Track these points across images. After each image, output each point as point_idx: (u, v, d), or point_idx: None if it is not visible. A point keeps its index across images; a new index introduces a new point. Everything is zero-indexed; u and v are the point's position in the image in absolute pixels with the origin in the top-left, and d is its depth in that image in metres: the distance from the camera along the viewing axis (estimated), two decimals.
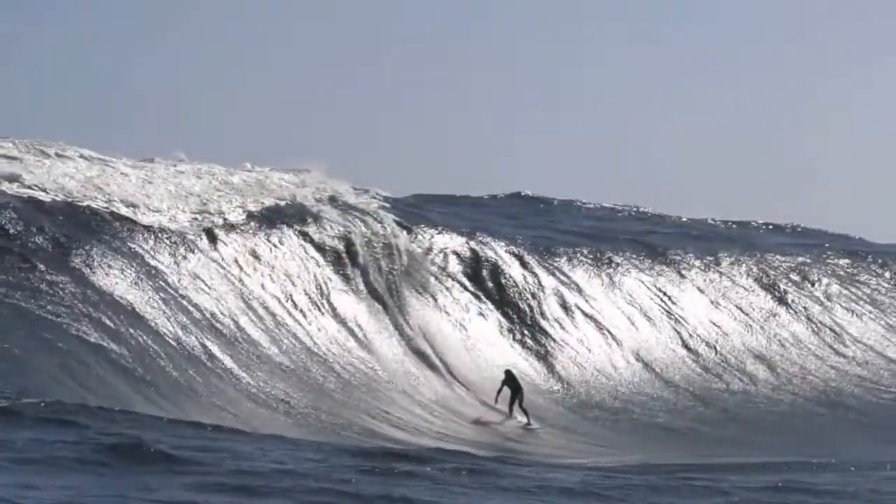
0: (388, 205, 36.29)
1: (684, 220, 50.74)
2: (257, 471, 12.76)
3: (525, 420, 30.46)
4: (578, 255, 39.65)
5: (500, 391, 30.64)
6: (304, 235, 32.51)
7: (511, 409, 30.56)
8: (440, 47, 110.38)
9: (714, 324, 39.51)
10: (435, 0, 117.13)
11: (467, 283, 35.53)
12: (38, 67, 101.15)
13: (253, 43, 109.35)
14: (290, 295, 30.60)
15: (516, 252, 37.76)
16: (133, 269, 26.86)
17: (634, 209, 51.75)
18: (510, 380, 30.76)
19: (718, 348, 38.39)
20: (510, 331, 35.17)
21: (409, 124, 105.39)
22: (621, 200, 52.91)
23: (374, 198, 36.14)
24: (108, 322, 24.23)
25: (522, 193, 52.85)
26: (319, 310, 30.84)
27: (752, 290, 41.90)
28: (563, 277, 37.98)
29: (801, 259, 45.20)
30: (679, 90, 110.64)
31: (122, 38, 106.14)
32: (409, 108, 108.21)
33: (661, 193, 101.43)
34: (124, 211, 28.91)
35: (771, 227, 52.45)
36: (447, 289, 34.93)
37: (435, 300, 34.32)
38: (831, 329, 41.81)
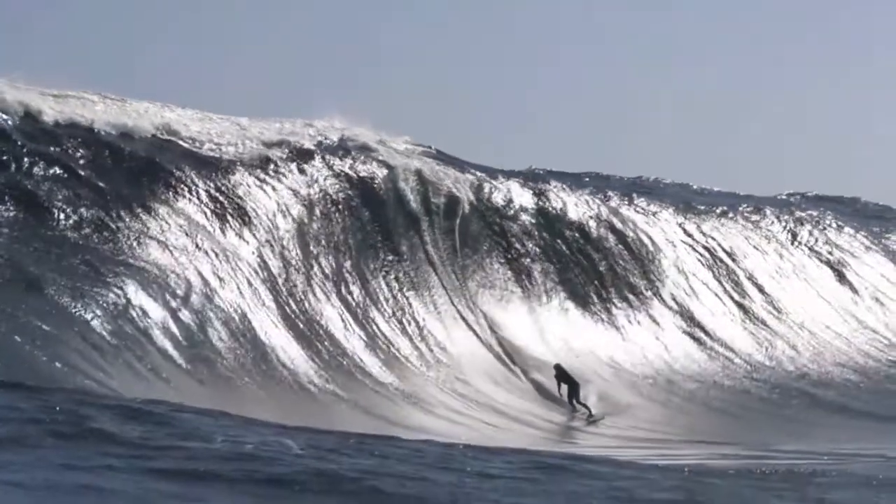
0: (433, 151, 37.65)
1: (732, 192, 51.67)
2: (203, 455, 11.68)
3: (587, 412, 29.54)
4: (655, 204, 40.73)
5: (559, 388, 29.83)
6: (378, 162, 33.70)
7: (572, 404, 29.68)
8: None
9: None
10: None
11: (534, 230, 36.26)
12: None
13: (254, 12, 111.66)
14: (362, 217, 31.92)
15: (588, 201, 38.46)
16: (209, 199, 28.30)
17: (669, 181, 53.00)
18: (561, 374, 29.93)
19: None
20: (584, 295, 35.26)
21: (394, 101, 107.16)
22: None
23: (419, 145, 37.52)
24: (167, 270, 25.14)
25: (549, 169, 53.91)
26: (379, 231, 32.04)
27: None
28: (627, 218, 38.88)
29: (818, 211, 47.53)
30: (681, 65, 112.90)
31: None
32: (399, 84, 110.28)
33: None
34: (197, 146, 30.41)
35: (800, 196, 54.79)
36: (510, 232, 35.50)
37: (500, 247, 34.83)
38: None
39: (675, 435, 28.36)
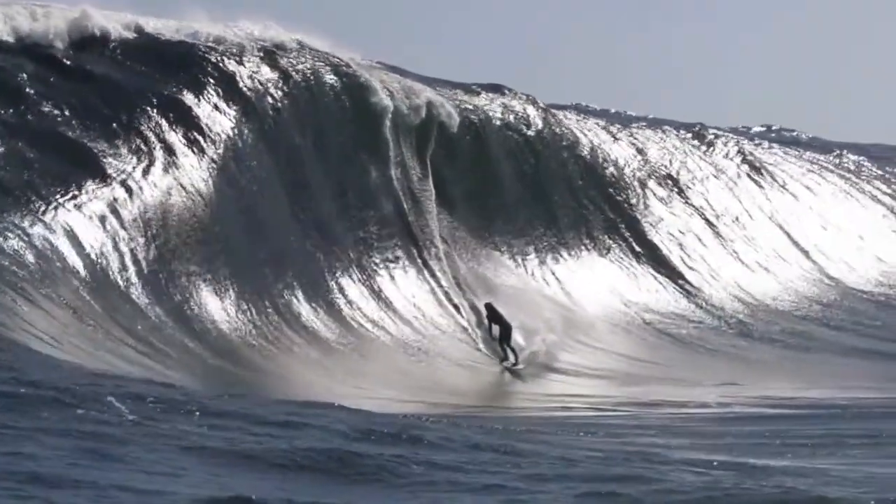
0: (378, 65, 38.44)
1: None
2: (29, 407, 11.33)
3: (512, 359, 28.10)
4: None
5: (490, 330, 28.47)
6: (341, 66, 33.84)
7: (502, 347, 28.19)
8: None
9: None
10: None
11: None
12: None
13: None
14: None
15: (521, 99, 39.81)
16: (184, 86, 29.35)
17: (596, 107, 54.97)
18: (493, 315, 28.46)
19: None
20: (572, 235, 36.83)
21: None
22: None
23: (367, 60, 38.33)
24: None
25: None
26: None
27: None
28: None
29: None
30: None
31: None
32: None
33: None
34: (167, 38, 31.22)
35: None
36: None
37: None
38: None
39: (588, 369, 29.09)
